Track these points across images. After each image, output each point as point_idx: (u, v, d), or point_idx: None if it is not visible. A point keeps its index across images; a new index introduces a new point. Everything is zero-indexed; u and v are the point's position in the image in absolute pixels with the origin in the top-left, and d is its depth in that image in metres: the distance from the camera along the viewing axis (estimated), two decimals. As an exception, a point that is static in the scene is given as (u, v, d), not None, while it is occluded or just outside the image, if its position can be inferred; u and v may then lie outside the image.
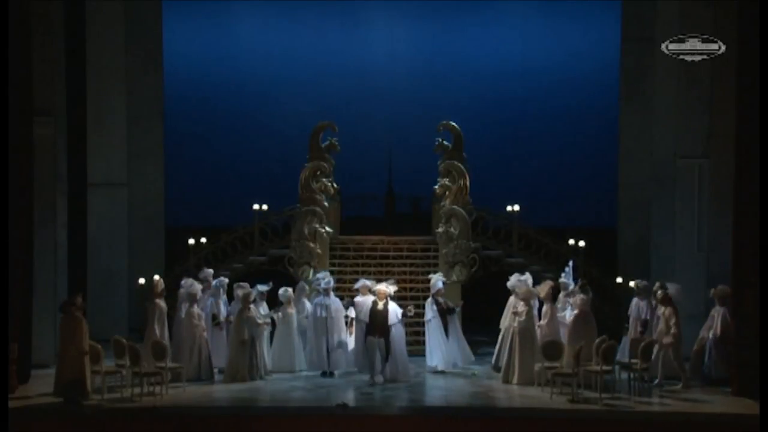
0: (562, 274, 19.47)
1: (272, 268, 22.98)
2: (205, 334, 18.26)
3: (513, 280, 18.77)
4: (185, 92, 29.28)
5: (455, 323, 19.39)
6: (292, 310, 19.22)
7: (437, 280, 19.60)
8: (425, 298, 21.94)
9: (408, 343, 20.75)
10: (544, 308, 18.18)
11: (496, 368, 18.69)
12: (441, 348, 19.00)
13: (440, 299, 19.36)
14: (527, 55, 31.83)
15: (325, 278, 19.37)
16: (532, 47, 31.94)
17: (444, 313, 19.18)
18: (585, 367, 16.58)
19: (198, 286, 18.62)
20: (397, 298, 21.91)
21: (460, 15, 32.09)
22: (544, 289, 18.22)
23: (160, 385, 16.49)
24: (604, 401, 16.02)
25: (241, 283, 18.78)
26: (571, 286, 18.82)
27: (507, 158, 31.29)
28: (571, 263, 19.68)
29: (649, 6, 22.97)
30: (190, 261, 22.34)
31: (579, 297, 17.75)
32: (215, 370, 18.30)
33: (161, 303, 18.01)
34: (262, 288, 18.86)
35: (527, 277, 18.78)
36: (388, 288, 18.61)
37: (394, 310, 18.28)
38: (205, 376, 18.03)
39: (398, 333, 18.33)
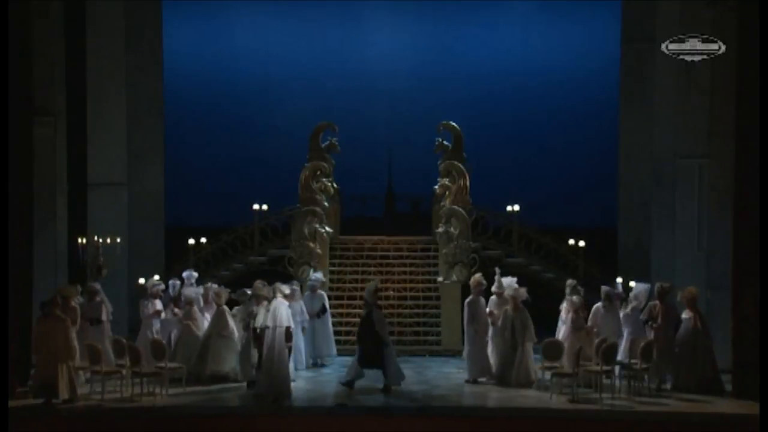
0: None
1: (272, 268, 22.98)
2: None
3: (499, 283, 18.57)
4: (185, 92, 29.30)
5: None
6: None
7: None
8: (425, 298, 22.02)
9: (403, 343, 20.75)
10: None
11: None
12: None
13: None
14: (527, 55, 31.88)
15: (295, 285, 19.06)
16: (532, 47, 31.99)
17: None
18: (585, 367, 16.57)
19: (162, 287, 18.63)
20: (396, 298, 22.01)
21: (461, 15, 32.13)
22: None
23: (161, 385, 16.47)
24: (604, 401, 16.02)
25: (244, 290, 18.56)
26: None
27: (507, 158, 31.31)
28: (497, 270, 19.29)
29: (649, 6, 22.98)
30: (190, 261, 22.33)
31: (573, 298, 17.74)
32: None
33: (154, 303, 18.06)
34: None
35: (510, 280, 18.53)
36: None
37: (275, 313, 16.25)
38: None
39: (275, 339, 16.24)
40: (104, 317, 17.94)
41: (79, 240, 20.01)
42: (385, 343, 17.14)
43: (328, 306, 20.04)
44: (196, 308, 18.39)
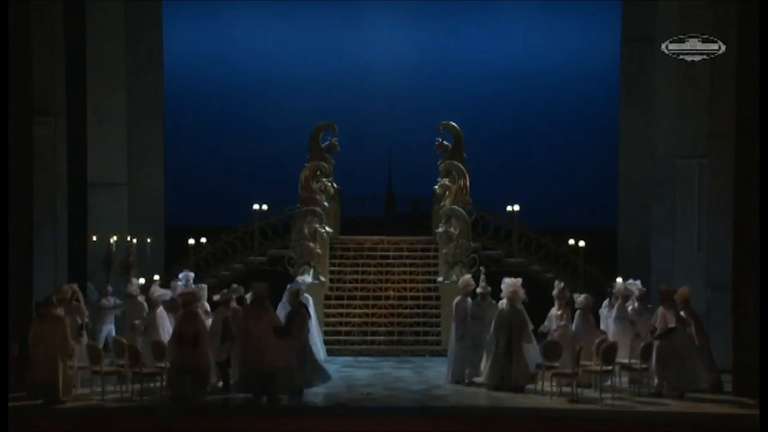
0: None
1: (272, 268, 23.00)
2: None
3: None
4: (185, 92, 29.34)
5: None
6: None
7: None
8: (425, 298, 22.02)
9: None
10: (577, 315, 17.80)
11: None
12: None
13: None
14: (527, 55, 31.92)
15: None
16: (532, 47, 32.03)
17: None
18: (585, 368, 16.56)
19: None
20: (396, 298, 22.03)
21: (461, 15, 32.16)
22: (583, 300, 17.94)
23: (161, 384, 16.47)
24: (604, 401, 16.03)
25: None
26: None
27: (507, 158, 31.34)
28: (482, 269, 19.17)
29: (649, 6, 23.00)
30: (190, 261, 22.34)
31: (580, 297, 17.68)
32: None
33: (138, 303, 18.06)
34: None
35: (513, 281, 18.35)
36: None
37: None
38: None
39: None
40: (82, 320, 17.43)
41: (112, 239, 19.96)
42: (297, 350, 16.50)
43: (312, 310, 19.30)
44: (161, 310, 18.07)
